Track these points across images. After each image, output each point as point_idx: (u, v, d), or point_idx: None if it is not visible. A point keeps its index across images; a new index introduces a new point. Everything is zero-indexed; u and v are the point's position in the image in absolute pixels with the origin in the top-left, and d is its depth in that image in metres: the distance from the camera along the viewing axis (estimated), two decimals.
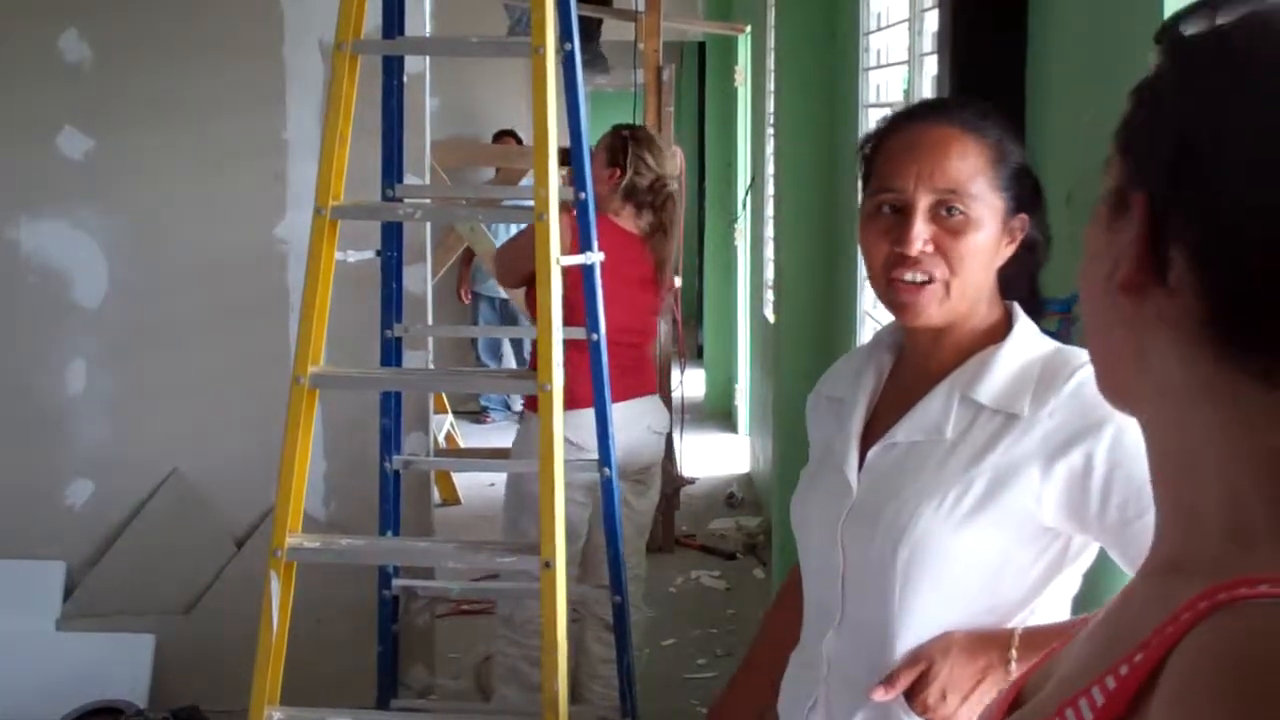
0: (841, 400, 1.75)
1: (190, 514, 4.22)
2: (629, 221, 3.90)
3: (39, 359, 4.18)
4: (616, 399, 3.72)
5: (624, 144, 3.93)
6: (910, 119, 1.68)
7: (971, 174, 1.60)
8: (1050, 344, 1.64)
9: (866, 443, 1.69)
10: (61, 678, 4.03)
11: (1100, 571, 1.64)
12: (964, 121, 1.63)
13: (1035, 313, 1.72)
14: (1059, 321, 1.92)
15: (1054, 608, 1.63)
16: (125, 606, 4.16)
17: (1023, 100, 2.25)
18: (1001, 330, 1.65)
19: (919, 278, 1.61)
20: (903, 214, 1.61)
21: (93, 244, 4.17)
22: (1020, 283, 1.70)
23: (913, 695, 1.59)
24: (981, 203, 1.60)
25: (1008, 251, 1.64)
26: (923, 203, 1.61)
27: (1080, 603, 1.68)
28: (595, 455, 3.63)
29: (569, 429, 3.42)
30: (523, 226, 3.71)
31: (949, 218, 1.60)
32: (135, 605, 4.17)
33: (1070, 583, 1.64)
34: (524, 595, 3.54)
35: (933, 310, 1.62)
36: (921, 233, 1.60)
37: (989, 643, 1.58)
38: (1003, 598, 1.60)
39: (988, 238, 1.61)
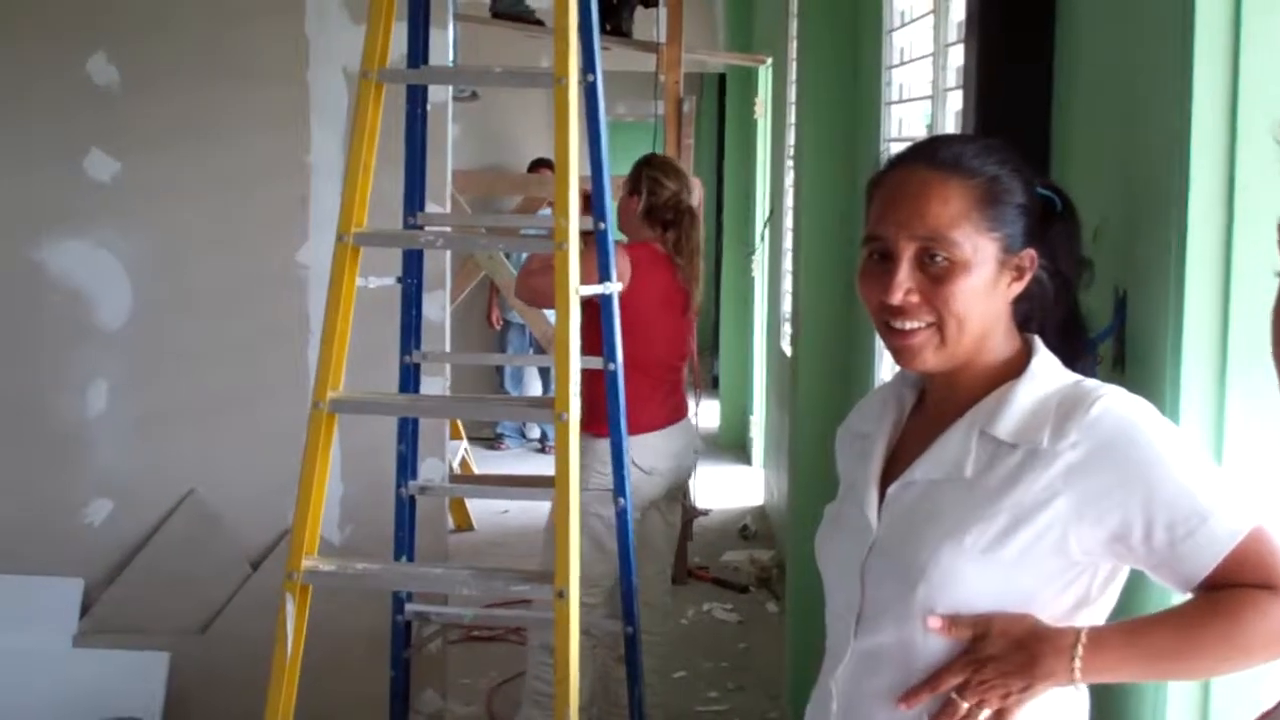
0: (866, 436, 1.76)
1: (207, 535, 4.24)
2: (660, 244, 4.01)
3: (61, 378, 4.21)
4: (668, 422, 3.94)
5: (639, 170, 4.08)
6: (898, 164, 1.67)
7: (954, 218, 1.60)
8: (1070, 377, 1.64)
9: (888, 480, 1.69)
10: (77, 694, 4.05)
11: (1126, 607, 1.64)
12: (948, 164, 1.62)
13: (1078, 341, 1.72)
14: (1111, 344, 1.91)
15: None
16: (141, 625, 4.18)
17: (1048, 136, 2.26)
18: (1020, 364, 1.64)
19: (908, 325, 1.62)
20: (889, 262, 1.62)
21: (117, 265, 4.20)
22: (1055, 313, 1.70)
23: (960, 658, 1.58)
24: (967, 246, 1.59)
25: (1016, 288, 1.64)
26: (906, 251, 1.61)
27: None
28: (658, 474, 3.80)
29: (633, 452, 3.54)
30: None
31: (932, 265, 1.60)
32: (151, 624, 4.18)
33: (1099, 618, 1.62)
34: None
35: (928, 356, 1.62)
36: (903, 282, 1.60)
37: (1050, 640, 1.55)
38: None
39: (978, 280, 1.60)
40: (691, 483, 6.07)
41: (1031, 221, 1.65)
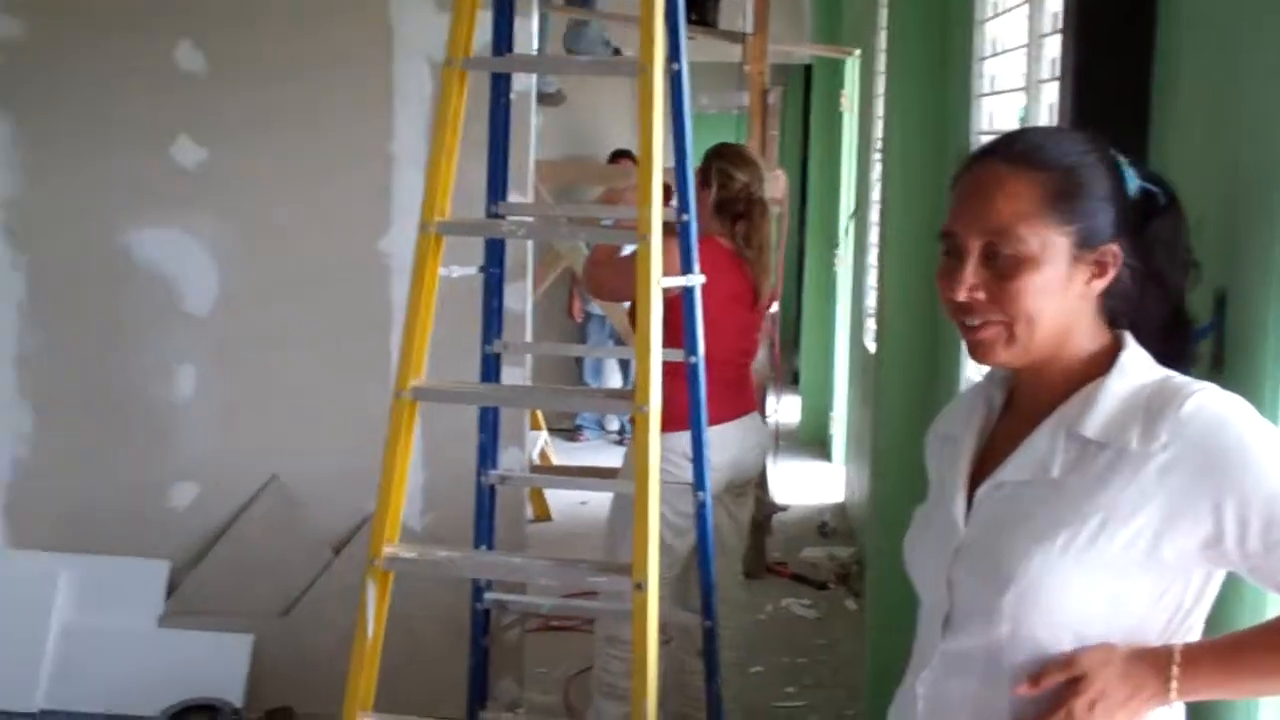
0: (954, 438, 1.72)
1: (289, 520, 4.28)
2: (727, 239, 3.92)
3: (149, 363, 4.27)
4: (728, 418, 3.83)
5: (708, 162, 3.98)
6: (977, 159, 1.64)
7: (1020, 213, 1.56)
8: (1160, 372, 1.59)
9: (977, 482, 1.66)
10: (162, 673, 4.12)
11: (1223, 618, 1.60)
12: (1022, 157, 1.58)
13: (1181, 343, 1.66)
14: (1210, 343, 1.85)
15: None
16: (225, 607, 4.23)
17: (1147, 129, 2.20)
18: (1108, 360, 1.60)
19: (975, 322, 1.59)
20: (959, 258, 1.60)
21: (204, 252, 4.25)
22: (1156, 312, 1.64)
23: (1057, 705, 1.54)
24: (1034, 242, 1.55)
25: (1097, 285, 1.59)
26: (973, 247, 1.58)
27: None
28: (714, 469, 3.72)
29: (684, 449, 3.47)
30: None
31: (998, 260, 1.57)
32: (234, 606, 4.24)
33: (1195, 625, 1.59)
34: (628, 614, 3.55)
35: (999, 352, 1.59)
36: (968, 279, 1.58)
37: (1148, 662, 1.53)
38: (1123, 637, 1.54)
39: (1048, 277, 1.56)
40: (769, 478, 6.06)
41: (1119, 215, 1.59)
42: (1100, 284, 1.59)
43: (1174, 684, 1.51)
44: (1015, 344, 1.58)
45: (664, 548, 3.71)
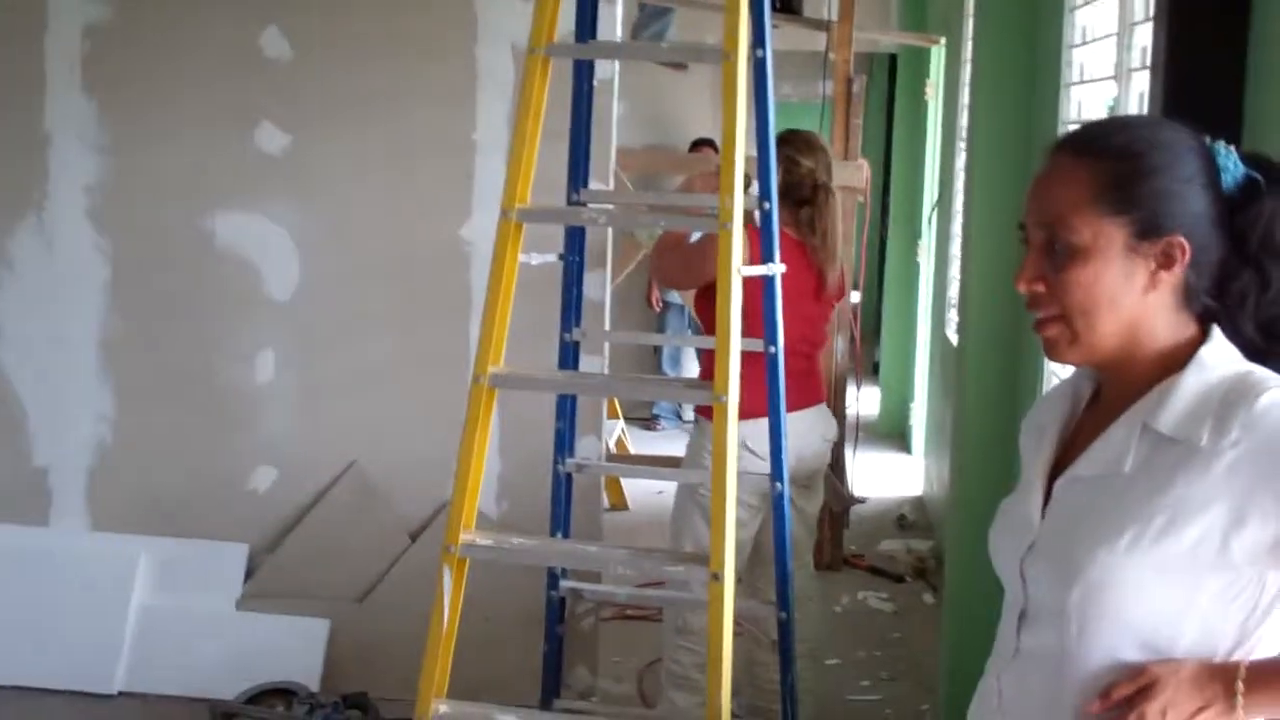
0: (1042, 431, 1.70)
1: (367, 505, 4.31)
2: (793, 228, 3.85)
3: (230, 348, 4.31)
4: (791, 409, 3.72)
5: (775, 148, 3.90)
6: (1051, 149, 1.62)
7: (1073, 202, 1.53)
8: (1241, 366, 1.54)
9: (1058, 475, 1.63)
10: (239, 655, 4.16)
11: None
12: (1085, 145, 1.56)
13: None
14: None
15: (1264, 653, 1.54)
16: (302, 591, 4.27)
17: (1240, 120, 2.14)
18: (1191, 354, 1.55)
19: (1039, 315, 1.57)
20: (1028, 249, 1.58)
21: (286, 237, 4.28)
22: (1261, 307, 1.56)
23: (1128, 710, 1.51)
24: (1086, 232, 1.52)
25: (1165, 277, 1.53)
26: (1035, 238, 1.57)
27: None
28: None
29: (749, 437, 3.43)
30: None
31: (1055, 251, 1.55)
32: (311, 590, 4.27)
33: (1272, 630, 1.54)
34: (697, 604, 3.52)
35: (1064, 349, 1.57)
36: (1027, 270, 1.57)
37: (1216, 676, 1.50)
38: (1193, 641, 1.51)
39: (1101, 269, 1.52)
40: (847, 469, 6.00)
41: (1206, 203, 1.53)
42: (1169, 276, 1.54)
43: (1239, 699, 1.48)
44: (1079, 342, 1.56)
45: None
